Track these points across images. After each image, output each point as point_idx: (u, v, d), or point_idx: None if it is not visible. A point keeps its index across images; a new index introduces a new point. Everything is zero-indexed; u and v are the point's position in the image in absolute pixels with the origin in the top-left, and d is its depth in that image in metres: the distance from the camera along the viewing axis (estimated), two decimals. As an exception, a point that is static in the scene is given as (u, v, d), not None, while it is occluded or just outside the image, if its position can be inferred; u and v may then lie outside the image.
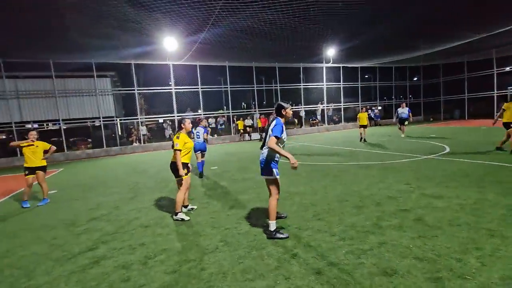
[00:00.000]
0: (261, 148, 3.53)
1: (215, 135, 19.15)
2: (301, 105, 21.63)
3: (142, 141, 16.97)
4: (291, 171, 7.17)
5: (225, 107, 23.87)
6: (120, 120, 17.00)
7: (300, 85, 21.31)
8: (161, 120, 17.85)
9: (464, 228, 3.27)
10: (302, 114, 22.18)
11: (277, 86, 20.53)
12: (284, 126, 3.40)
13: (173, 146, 4.28)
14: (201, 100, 17.79)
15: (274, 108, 3.59)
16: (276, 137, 3.25)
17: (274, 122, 3.39)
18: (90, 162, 13.00)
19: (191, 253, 3.17)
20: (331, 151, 10.51)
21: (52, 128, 15.96)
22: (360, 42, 15.17)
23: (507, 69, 21.17)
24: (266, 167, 3.42)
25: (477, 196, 4.31)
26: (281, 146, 3.46)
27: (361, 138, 12.37)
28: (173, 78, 16.94)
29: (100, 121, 15.59)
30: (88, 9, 9.24)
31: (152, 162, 11.23)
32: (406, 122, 13.36)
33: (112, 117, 16.27)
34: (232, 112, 19.15)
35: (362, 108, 13.66)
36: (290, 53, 17.13)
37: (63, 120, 14.96)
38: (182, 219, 4.20)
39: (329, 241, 3.20)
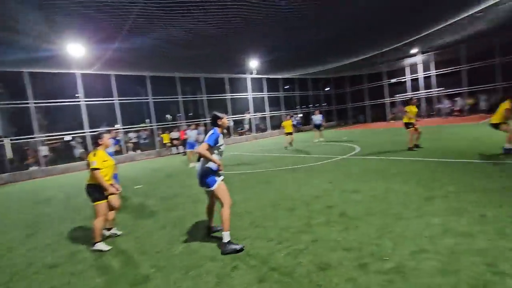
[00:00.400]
0: (198, 160, 3.48)
1: (138, 151, 17.54)
2: (229, 115, 21.86)
3: (42, 164, 14.17)
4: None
5: (147, 120, 22.24)
6: (10, 140, 13.88)
7: (227, 96, 21.59)
8: (68, 138, 15.29)
9: (378, 216, 3.76)
10: (231, 124, 22.43)
11: (203, 97, 20.28)
12: (221, 136, 3.39)
13: (88, 166, 3.71)
14: (118, 113, 16.08)
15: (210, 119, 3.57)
16: (208, 144, 3.21)
17: (211, 131, 3.38)
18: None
19: (117, 283, 2.72)
20: (261, 159, 10.87)
21: None
22: (279, 56, 16.37)
23: (393, 80, 26.15)
24: (203, 178, 3.35)
25: (384, 187, 5.05)
26: (219, 155, 3.44)
27: (287, 146, 13.15)
28: (83, 89, 14.87)
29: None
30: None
31: (58, 188, 9.48)
32: (322, 128, 14.90)
33: (-1, 137, 13.18)
34: (156, 125, 17.93)
35: (286, 116, 14.61)
36: (215, 63, 17.25)
37: None
38: (101, 250, 3.63)
39: (267, 247, 3.22)
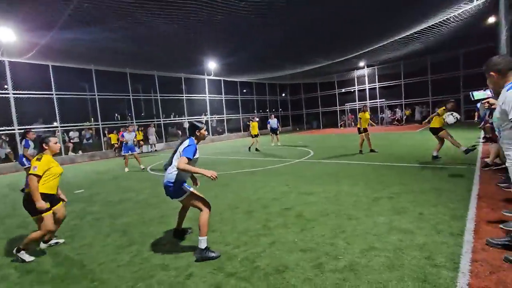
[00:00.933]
0: (165, 169, 3.21)
1: (80, 152, 15.87)
2: (185, 117, 21.16)
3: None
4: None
5: (92, 118, 20.33)
6: None
7: (183, 96, 20.87)
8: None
9: (332, 217, 3.91)
10: (186, 125, 21.71)
11: (157, 96, 19.29)
12: (197, 147, 3.18)
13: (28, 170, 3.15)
14: (56, 109, 14.36)
15: (187, 127, 3.34)
16: (188, 158, 2.96)
17: (187, 142, 3.12)
18: None
19: (46, 308, 2.34)
20: (219, 161, 10.67)
21: None
22: (237, 59, 16.39)
23: (343, 90, 28.14)
24: (176, 189, 3.11)
25: (337, 189, 5.31)
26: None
27: (250, 147, 13.02)
28: (11, 80, 12.95)
29: None
30: None
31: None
32: (278, 132, 15.24)
33: None
34: (102, 124, 16.43)
35: (254, 118, 14.35)
36: (171, 62, 16.54)
37: None
38: (23, 260, 3.20)
39: (224, 252, 3.10)
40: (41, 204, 3.14)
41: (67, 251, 3.50)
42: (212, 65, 18.55)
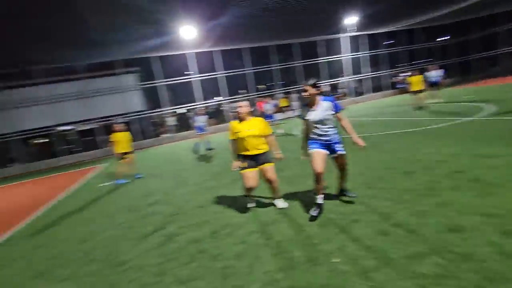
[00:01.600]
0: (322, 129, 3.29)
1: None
2: (324, 80, 21.10)
3: (170, 132, 17.59)
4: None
5: (244, 91, 23.82)
6: (146, 114, 17.58)
7: (321, 60, 20.70)
8: (183, 110, 18.32)
9: (528, 183, 3.19)
10: (327, 89, 21.65)
11: (296, 63, 20.09)
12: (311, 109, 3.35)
13: (246, 134, 3.46)
14: (222, 86, 17.92)
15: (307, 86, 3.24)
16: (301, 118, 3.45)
17: (329, 102, 3.25)
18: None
19: (253, 225, 3.38)
20: (366, 122, 10.31)
21: (82, 129, 16.69)
22: (383, 6, 14.30)
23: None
24: (339, 143, 3.35)
25: (536, 152, 4.12)
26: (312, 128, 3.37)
27: (418, 106, 11.03)
28: (193, 67, 17.13)
29: (128, 116, 16.30)
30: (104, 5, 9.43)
31: (184, 151, 11.65)
32: (439, 86, 12.58)
33: (140, 111, 16.89)
34: (255, 95, 19.13)
35: (414, 72, 11.61)
36: (308, 26, 16.56)
37: (94, 119, 15.84)
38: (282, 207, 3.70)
39: (386, 206, 3.26)
40: (234, 164, 3.68)
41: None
42: (351, 20, 17.09)
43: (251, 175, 3.58)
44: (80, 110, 15.65)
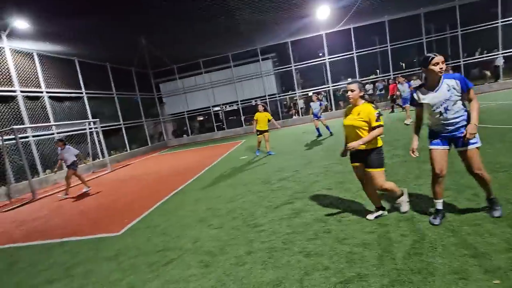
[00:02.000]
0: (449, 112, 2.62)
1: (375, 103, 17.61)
2: (498, 51, 15.85)
3: (300, 114, 18.25)
4: (495, 138, 5.59)
5: (377, 70, 21.30)
6: (279, 96, 18.85)
7: (497, 23, 15.50)
8: (310, 94, 18.44)
9: None
10: (500, 63, 16.24)
11: (457, 32, 15.93)
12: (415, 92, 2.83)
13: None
14: (356, 66, 16.69)
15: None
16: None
17: (454, 80, 2.57)
18: (261, 135, 15.44)
19: (384, 217, 3.15)
20: None
21: (229, 109, 19.83)
22: None
23: None
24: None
25: None
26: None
27: None
28: (327, 48, 16.72)
29: (266, 98, 18.03)
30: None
31: (313, 133, 11.87)
32: None
33: (274, 94, 18.32)
34: (393, 74, 16.78)
35: None
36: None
37: (240, 101, 18.48)
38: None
39: None
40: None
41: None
42: None
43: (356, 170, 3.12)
44: (227, 93, 18.70)
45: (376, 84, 17.91)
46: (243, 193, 5.11)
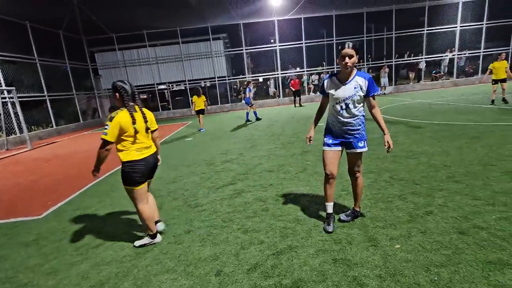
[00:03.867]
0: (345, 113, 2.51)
1: (318, 93, 18.73)
2: (422, 55, 18.20)
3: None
4: (412, 130, 6.51)
5: (324, 63, 22.59)
6: (229, 79, 18.61)
7: (423, 30, 17.69)
8: (260, 79, 18.70)
9: None
10: (422, 66, 18.73)
11: (391, 34, 17.71)
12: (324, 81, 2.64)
13: None
14: (304, 56, 17.36)
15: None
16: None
17: (363, 78, 2.44)
18: (209, 117, 15.14)
19: (316, 197, 3.46)
20: (464, 110, 8.73)
21: (176, 89, 18.86)
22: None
23: None
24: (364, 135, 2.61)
25: None
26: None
27: (493, 100, 9.20)
28: (278, 35, 16.93)
29: (215, 81, 17.60)
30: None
31: (267, 120, 12.13)
32: None
33: (224, 77, 17.99)
34: (337, 68, 17.98)
35: (500, 55, 9.51)
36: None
37: (188, 80, 17.67)
38: None
39: (472, 205, 2.88)
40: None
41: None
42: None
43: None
44: (174, 71, 17.67)
45: (321, 75, 18.99)
46: (185, 174, 5.02)
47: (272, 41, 17.87)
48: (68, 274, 2.41)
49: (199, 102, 10.01)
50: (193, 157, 6.24)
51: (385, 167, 4.27)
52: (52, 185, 5.19)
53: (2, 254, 2.88)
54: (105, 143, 2.43)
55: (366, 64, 18.63)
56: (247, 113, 11.37)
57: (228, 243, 2.63)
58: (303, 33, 17.00)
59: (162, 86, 18.19)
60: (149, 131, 2.67)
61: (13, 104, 10.61)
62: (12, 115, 10.90)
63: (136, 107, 2.60)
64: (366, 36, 17.69)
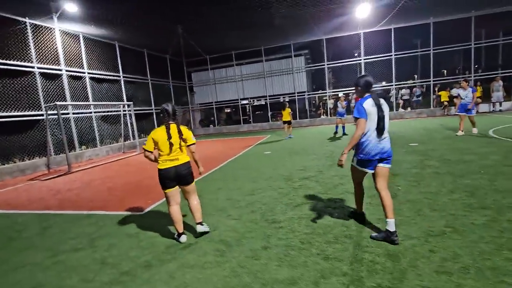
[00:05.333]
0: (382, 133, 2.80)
1: (409, 109, 16.71)
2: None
3: (328, 114, 17.77)
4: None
5: (415, 76, 20.05)
6: (308, 94, 18.48)
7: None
8: (340, 94, 17.88)
9: None
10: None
11: (511, 39, 14.54)
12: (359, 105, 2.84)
13: None
14: (393, 69, 15.85)
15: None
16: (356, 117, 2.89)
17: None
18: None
19: (412, 230, 2.97)
20: None
21: (256, 103, 19.78)
22: None
23: None
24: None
25: None
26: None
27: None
28: (363, 48, 16.04)
29: (295, 96, 17.77)
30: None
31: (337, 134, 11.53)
32: None
33: (304, 92, 17.98)
34: (433, 81, 15.76)
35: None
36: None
37: (269, 96, 18.39)
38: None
39: None
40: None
41: (415, 193, 4.04)
42: None
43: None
44: (256, 87, 18.67)
45: (414, 89, 16.94)
46: (263, 187, 5.08)
47: (356, 54, 17.04)
48: (158, 270, 2.67)
49: (285, 114, 11.74)
50: (271, 171, 6.30)
51: (509, 204, 3.37)
52: (153, 185, 6.01)
53: (113, 242, 3.43)
54: (145, 150, 3.17)
55: (474, 76, 15.70)
56: (337, 126, 11.45)
57: (306, 268, 2.46)
58: (392, 45, 15.63)
59: (245, 101, 19.39)
60: (183, 145, 3.19)
61: (130, 116, 13.01)
62: (129, 125, 13.36)
63: (174, 125, 3.17)
64: (475, 44, 14.99)
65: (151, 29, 12.68)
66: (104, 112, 12.41)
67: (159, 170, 3.15)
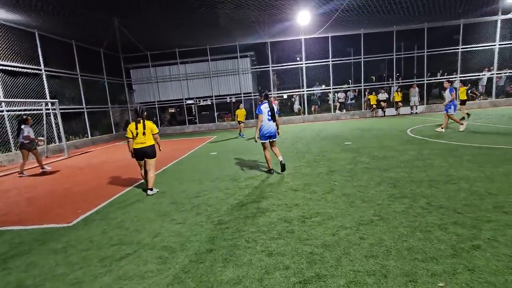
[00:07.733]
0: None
1: (344, 110, 18.36)
2: (456, 74, 17.35)
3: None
4: (447, 152, 6.08)
5: (349, 81, 22.18)
6: (254, 95, 18.85)
7: (458, 48, 16.96)
8: (285, 96, 18.78)
9: None
10: (456, 85, 17.78)
11: (423, 52, 17.15)
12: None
13: None
14: (331, 74, 17.23)
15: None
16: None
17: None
18: (234, 132, 15.31)
19: (346, 221, 3.26)
20: (506, 131, 8.06)
21: (202, 103, 19.40)
22: None
23: None
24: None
25: None
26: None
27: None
28: (304, 53, 17.06)
29: (241, 96, 17.91)
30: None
31: (285, 135, 12.03)
32: None
33: (250, 93, 18.27)
34: (364, 86, 17.63)
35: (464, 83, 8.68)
36: (448, 8, 13.72)
37: (215, 96, 18.17)
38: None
39: (527, 240, 2.53)
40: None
41: (350, 187, 4.45)
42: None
43: None
44: (202, 87, 18.28)
45: (348, 93, 18.67)
46: (210, 189, 5.00)
47: (298, 58, 18.01)
48: (91, 287, 2.41)
49: (241, 114, 12.76)
50: (217, 172, 6.24)
51: (421, 192, 3.96)
52: (84, 193, 5.39)
53: (33, 260, 2.97)
54: (127, 138, 4.84)
55: (397, 83, 18.07)
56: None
57: (251, 266, 2.50)
58: (330, 51, 16.99)
59: (190, 101, 18.83)
60: (148, 133, 4.84)
61: (55, 115, 11.44)
62: (53, 126, 11.73)
63: (141, 120, 4.81)
64: (396, 55, 17.27)
65: (80, 18, 11.34)
66: (20, 111, 10.65)
67: (134, 149, 4.81)
